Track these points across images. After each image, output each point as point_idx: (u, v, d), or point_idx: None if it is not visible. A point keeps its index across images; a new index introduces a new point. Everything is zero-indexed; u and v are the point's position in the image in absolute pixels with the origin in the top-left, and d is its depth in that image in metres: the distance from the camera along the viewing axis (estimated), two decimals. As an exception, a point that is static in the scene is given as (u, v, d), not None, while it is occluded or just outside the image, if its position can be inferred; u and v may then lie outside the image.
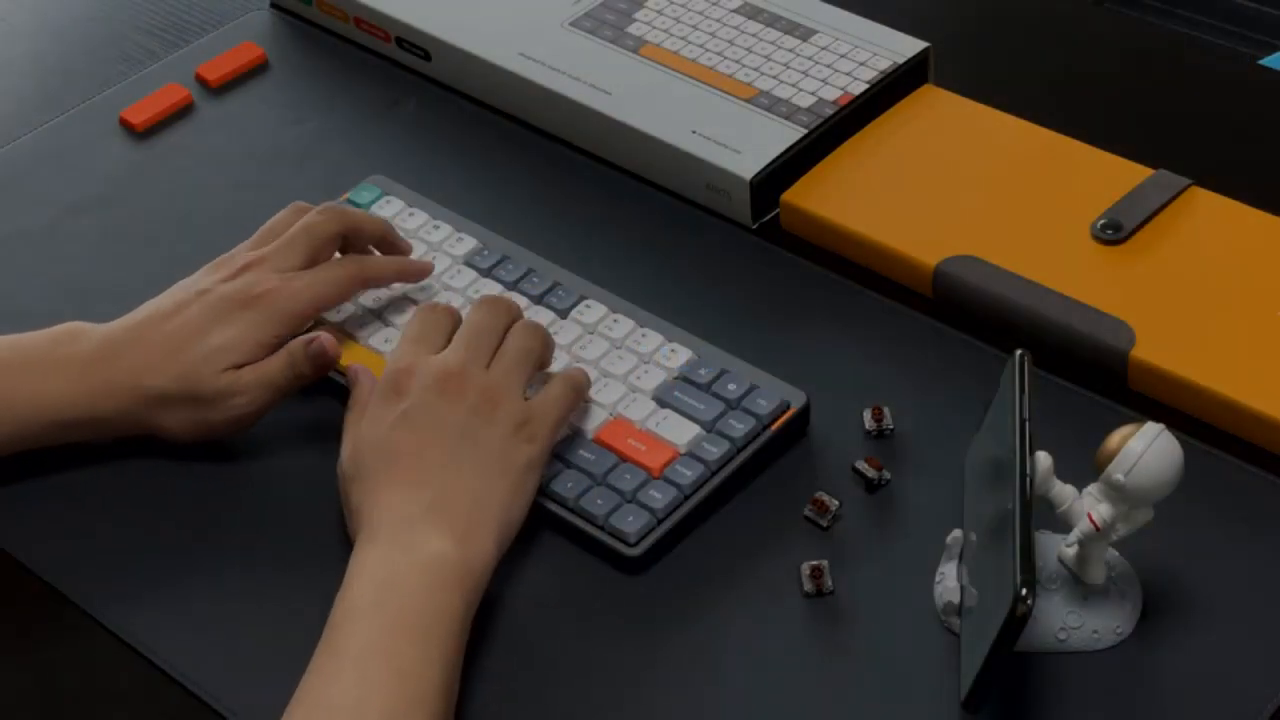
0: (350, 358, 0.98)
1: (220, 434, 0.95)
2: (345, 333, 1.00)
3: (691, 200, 1.11)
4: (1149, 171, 1.07)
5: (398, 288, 1.03)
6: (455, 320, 0.95)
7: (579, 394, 0.94)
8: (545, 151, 1.16)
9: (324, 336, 0.95)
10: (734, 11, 1.20)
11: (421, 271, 1.02)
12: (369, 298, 1.02)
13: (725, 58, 1.16)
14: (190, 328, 0.94)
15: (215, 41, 1.27)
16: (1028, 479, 0.81)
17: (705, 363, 0.97)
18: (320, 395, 0.98)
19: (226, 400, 0.94)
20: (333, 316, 1.01)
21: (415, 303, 1.02)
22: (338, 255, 1.00)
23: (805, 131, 1.10)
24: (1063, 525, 0.85)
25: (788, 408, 0.95)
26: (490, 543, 0.86)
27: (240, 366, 0.94)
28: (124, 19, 1.31)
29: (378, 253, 1.02)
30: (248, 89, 1.23)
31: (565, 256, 1.05)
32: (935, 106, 1.13)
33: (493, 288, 1.02)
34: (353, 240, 1.01)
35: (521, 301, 1.02)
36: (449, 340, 0.94)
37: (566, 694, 0.85)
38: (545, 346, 0.95)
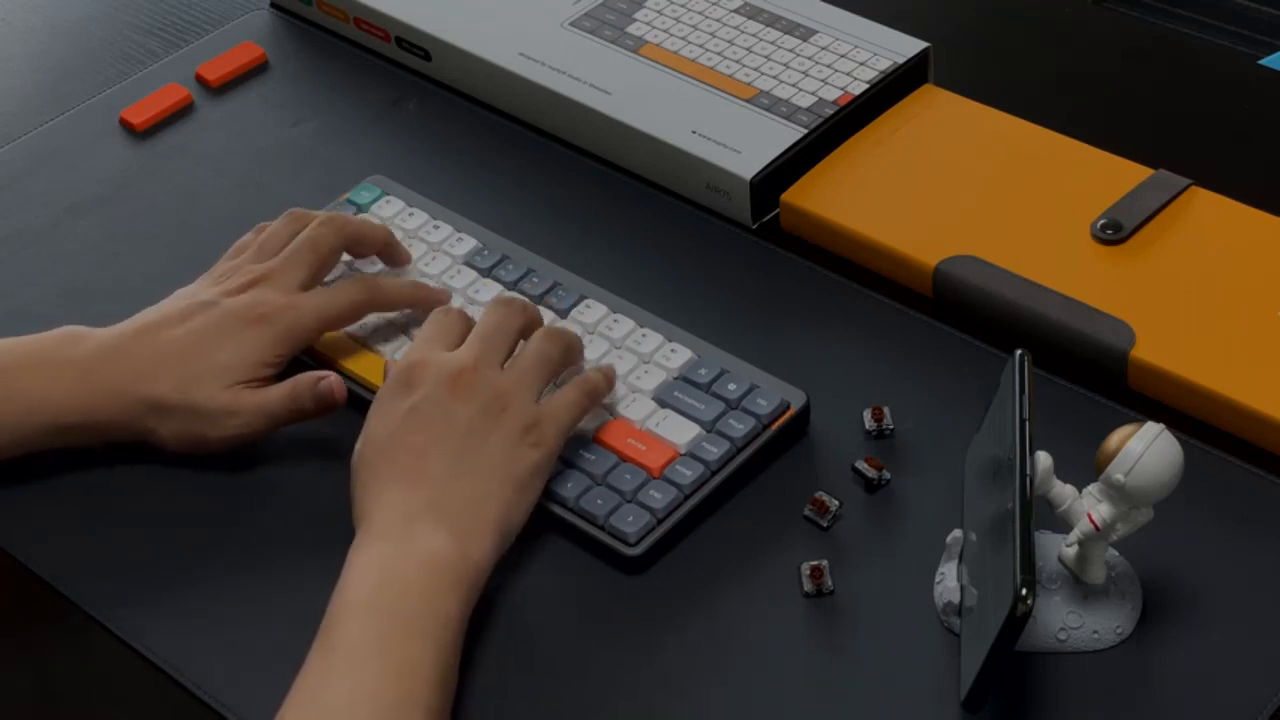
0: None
1: (211, 450, 0.95)
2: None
3: (691, 200, 1.11)
4: (1149, 171, 1.07)
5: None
6: (469, 325, 0.95)
7: (593, 399, 0.93)
8: (545, 151, 1.16)
9: (334, 378, 0.94)
10: (734, 11, 1.20)
11: (438, 299, 1.00)
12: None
13: (725, 58, 1.16)
14: (196, 339, 0.94)
15: (215, 41, 1.27)
16: (1028, 479, 0.81)
17: (705, 363, 0.97)
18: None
19: (223, 418, 0.93)
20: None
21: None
22: (347, 267, 1.00)
23: (805, 131, 1.10)
24: (1063, 525, 0.85)
25: (788, 408, 0.95)
26: (488, 544, 0.86)
27: (244, 384, 0.94)
28: (124, 19, 1.31)
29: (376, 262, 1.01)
30: (248, 89, 1.23)
31: (565, 256, 1.05)
32: (935, 106, 1.13)
33: (493, 288, 1.02)
34: (355, 250, 1.01)
35: (521, 301, 1.02)
36: (462, 342, 0.94)
37: (567, 694, 0.85)
38: (565, 354, 0.94)
